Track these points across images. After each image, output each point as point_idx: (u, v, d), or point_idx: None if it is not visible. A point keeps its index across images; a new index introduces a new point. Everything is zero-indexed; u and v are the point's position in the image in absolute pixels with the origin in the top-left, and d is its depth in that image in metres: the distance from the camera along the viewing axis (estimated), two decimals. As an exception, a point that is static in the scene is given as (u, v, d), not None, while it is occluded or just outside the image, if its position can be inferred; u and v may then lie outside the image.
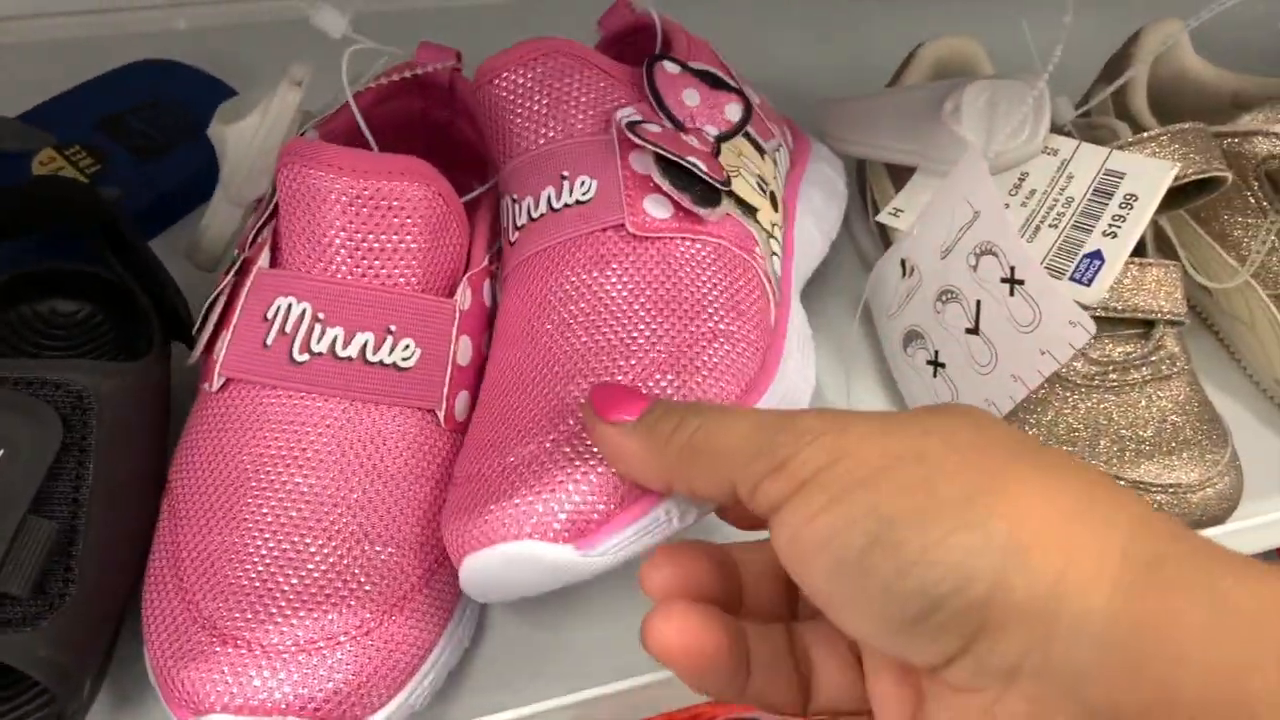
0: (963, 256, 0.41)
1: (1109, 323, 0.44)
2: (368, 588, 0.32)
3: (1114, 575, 0.20)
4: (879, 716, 0.25)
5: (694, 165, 0.36)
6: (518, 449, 0.32)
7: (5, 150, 0.50)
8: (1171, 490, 0.40)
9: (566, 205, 0.37)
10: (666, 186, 0.36)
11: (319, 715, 0.30)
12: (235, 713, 0.30)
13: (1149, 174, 0.41)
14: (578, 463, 0.31)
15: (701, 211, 0.36)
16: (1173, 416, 0.42)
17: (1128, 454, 0.41)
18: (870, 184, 0.54)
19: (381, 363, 0.35)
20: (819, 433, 0.23)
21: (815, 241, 0.46)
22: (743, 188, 0.39)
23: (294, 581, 0.32)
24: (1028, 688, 0.20)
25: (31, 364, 0.34)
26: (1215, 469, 0.41)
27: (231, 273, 0.37)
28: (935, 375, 0.44)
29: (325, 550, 0.32)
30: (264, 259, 0.36)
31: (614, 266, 0.36)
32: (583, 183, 0.37)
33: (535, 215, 0.38)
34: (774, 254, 0.40)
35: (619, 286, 0.36)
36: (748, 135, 0.41)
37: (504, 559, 0.31)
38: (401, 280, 0.36)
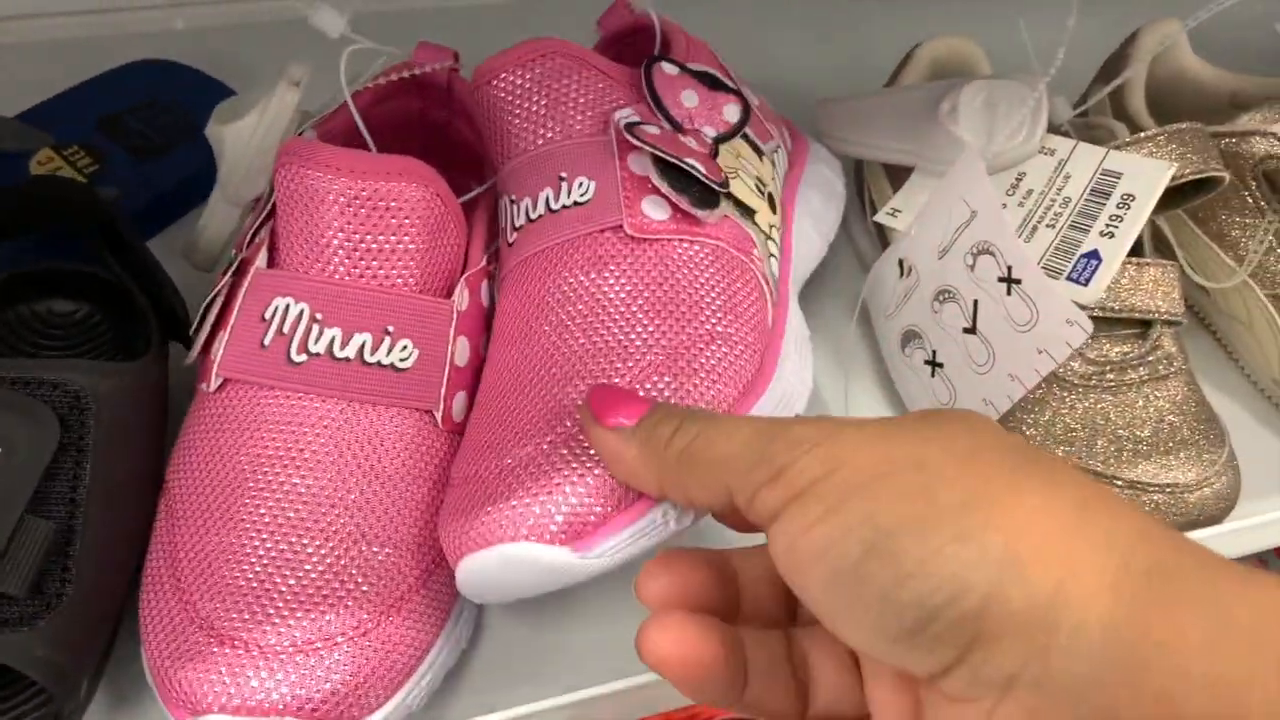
0: (960, 256, 0.41)
1: (1106, 323, 0.44)
2: (365, 588, 0.32)
3: (1114, 587, 0.20)
4: None
5: (692, 167, 0.36)
6: (515, 450, 0.32)
7: (3, 150, 0.50)
8: (1169, 490, 0.40)
9: (565, 206, 0.37)
10: (665, 188, 0.36)
11: (316, 716, 0.30)
12: (233, 713, 0.30)
13: (1146, 174, 0.41)
14: (575, 465, 0.31)
15: (699, 213, 0.36)
16: (1170, 416, 0.42)
17: (1125, 454, 0.41)
18: (868, 184, 0.54)
19: (379, 363, 0.35)
20: (816, 441, 0.23)
21: (813, 243, 0.46)
22: (741, 189, 0.39)
23: (291, 582, 0.32)
24: (1026, 698, 0.20)
25: (29, 364, 0.34)
26: (1213, 469, 0.41)
27: (229, 273, 0.37)
28: (933, 375, 0.44)
29: (323, 551, 0.32)
30: (261, 259, 0.36)
31: (612, 268, 0.36)
32: (581, 184, 0.37)
33: (533, 216, 0.38)
34: (772, 256, 0.40)
35: (617, 288, 0.36)
36: (746, 137, 0.41)
37: (501, 560, 0.31)
38: (399, 281, 0.36)
